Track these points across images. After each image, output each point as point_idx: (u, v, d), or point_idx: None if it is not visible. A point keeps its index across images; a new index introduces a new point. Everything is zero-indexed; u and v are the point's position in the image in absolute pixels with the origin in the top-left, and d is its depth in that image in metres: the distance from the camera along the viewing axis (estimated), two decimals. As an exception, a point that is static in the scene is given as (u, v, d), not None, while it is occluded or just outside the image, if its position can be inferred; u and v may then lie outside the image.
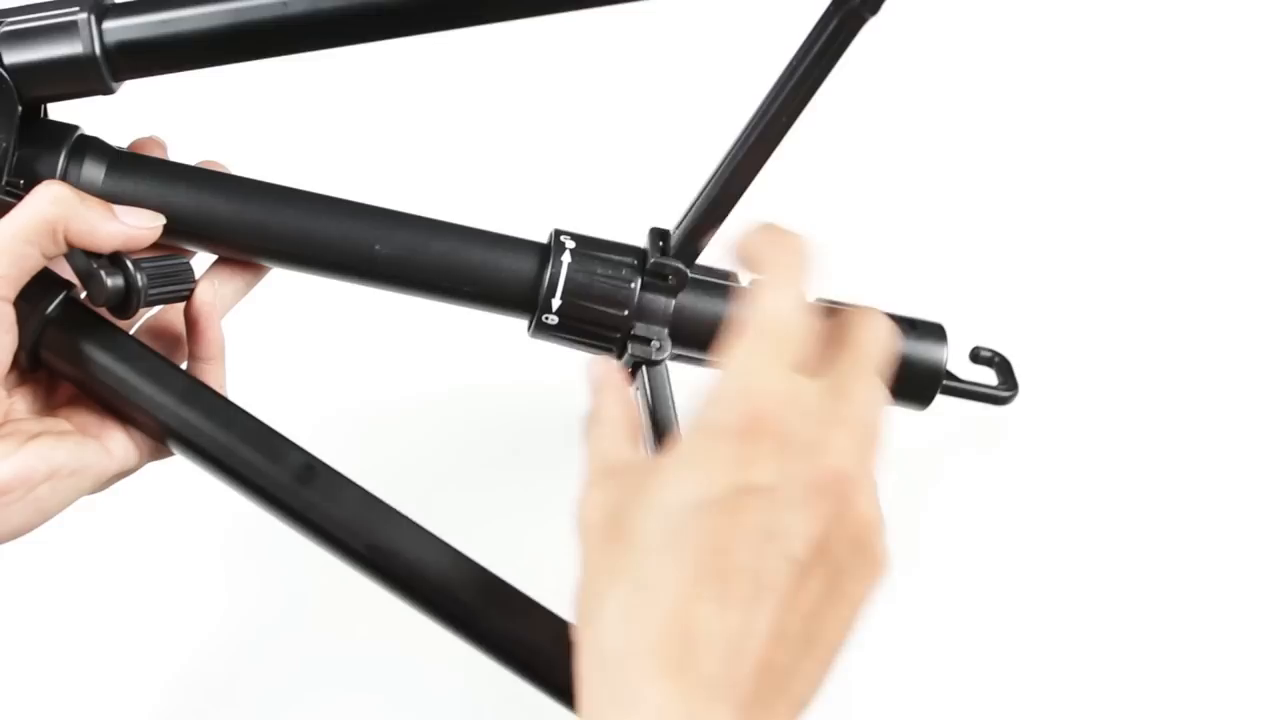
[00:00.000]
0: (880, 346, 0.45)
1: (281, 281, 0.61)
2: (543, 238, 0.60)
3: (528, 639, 0.53)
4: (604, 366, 0.51)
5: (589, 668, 0.43)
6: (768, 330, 0.44)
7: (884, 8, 0.51)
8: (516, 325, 0.61)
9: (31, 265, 0.52)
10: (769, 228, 0.46)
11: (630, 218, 0.64)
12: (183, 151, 0.60)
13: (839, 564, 0.44)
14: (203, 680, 0.72)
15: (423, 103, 0.91)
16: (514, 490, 0.75)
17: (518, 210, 0.65)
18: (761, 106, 0.55)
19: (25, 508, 0.51)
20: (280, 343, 0.78)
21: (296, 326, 0.80)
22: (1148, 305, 0.82)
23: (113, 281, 0.53)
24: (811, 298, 0.46)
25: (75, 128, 0.56)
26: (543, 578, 0.53)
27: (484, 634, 0.53)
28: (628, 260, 0.59)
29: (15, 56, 0.53)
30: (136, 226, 0.54)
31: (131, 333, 0.57)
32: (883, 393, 0.45)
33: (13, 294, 0.51)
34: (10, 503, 0.51)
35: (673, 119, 0.90)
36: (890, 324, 0.46)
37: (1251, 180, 0.88)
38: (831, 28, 0.52)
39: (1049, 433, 0.77)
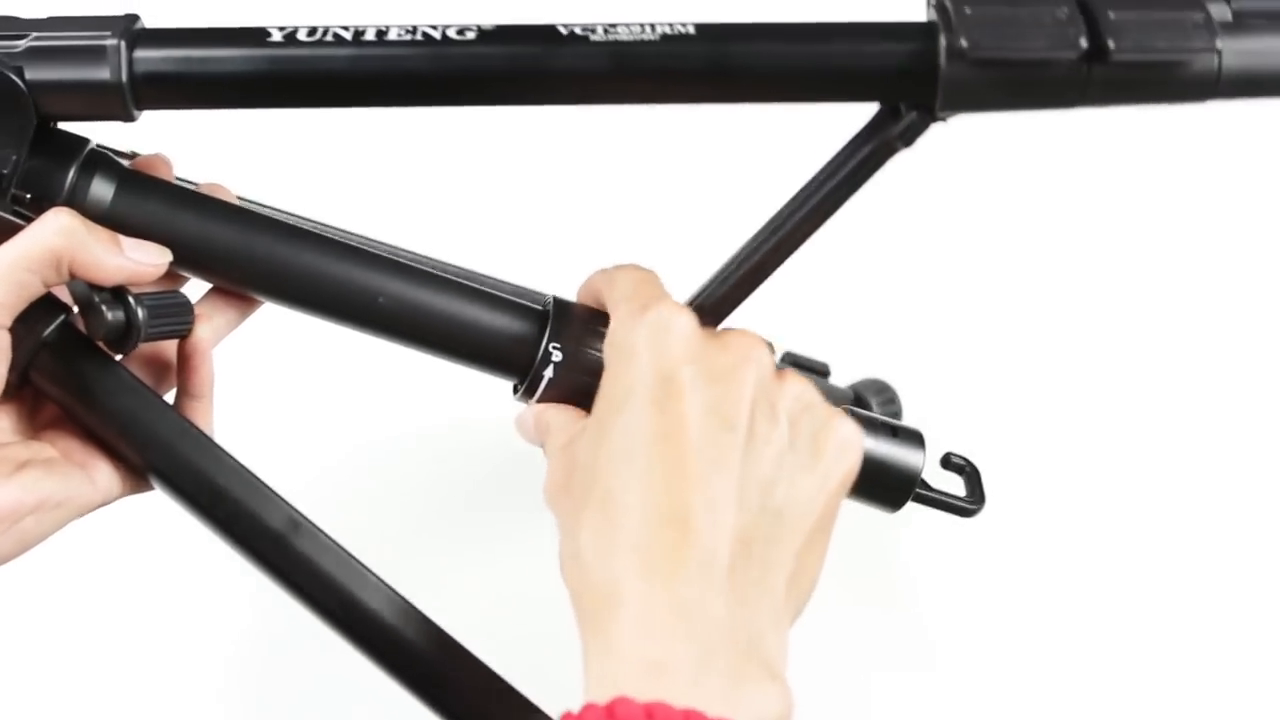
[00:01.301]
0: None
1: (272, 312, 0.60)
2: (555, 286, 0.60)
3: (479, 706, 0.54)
4: (529, 416, 0.55)
5: (577, 599, 0.44)
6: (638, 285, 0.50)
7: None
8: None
9: (31, 294, 0.51)
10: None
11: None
12: (190, 165, 0.59)
13: (789, 429, 0.47)
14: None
15: (451, 140, 0.90)
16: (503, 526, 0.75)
17: (538, 254, 0.65)
18: (780, 216, 0.56)
19: (8, 539, 0.51)
20: (269, 373, 0.78)
21: (285, 357, 0.79)
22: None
23: (113, 315, 0.52)
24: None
25: (87, 141, 0.55)
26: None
27: (439, 700, 0.54)
28: None
29: (38, 73, 0.51)
30: (142, 263, 0.53)
31: (121, 358, 0.56)
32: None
33: (9, 320, 0.50)
34: None
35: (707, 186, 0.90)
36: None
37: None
38: (863, 154, 0.53)
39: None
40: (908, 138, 0.52)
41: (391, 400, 0.80)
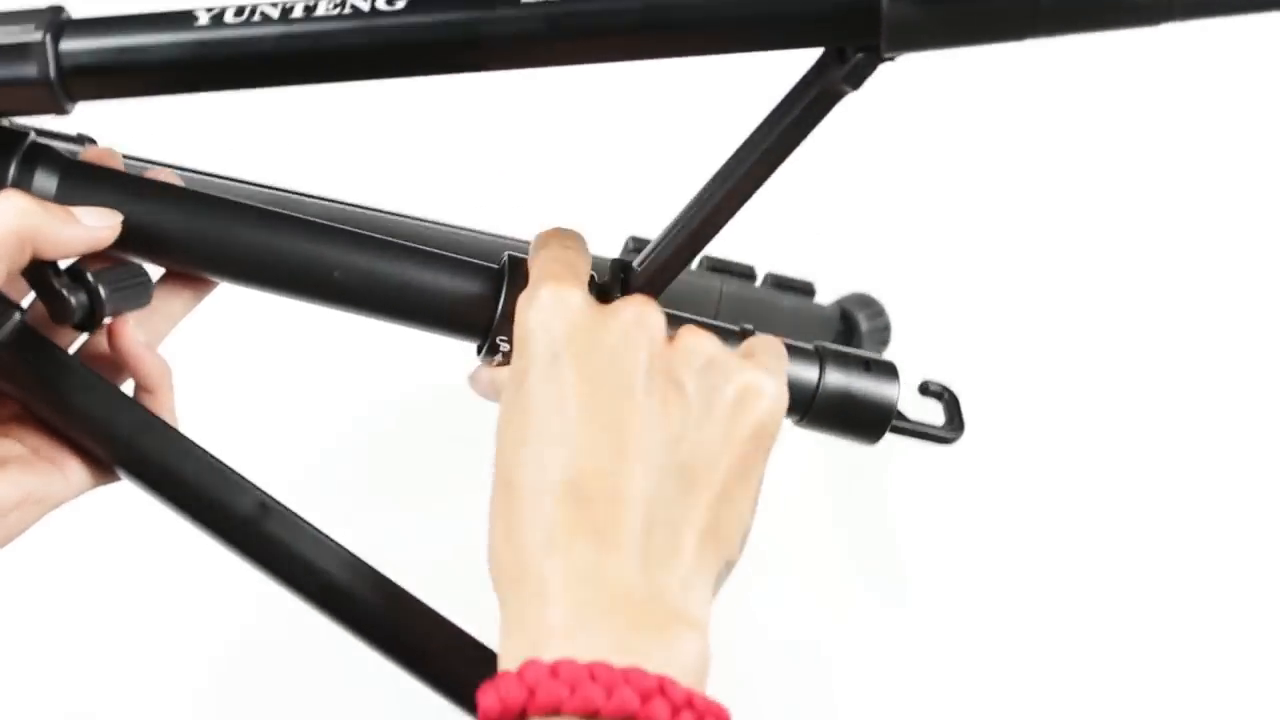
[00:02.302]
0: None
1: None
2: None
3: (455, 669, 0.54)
4: (483, 375, 0.56)
5: (495, 584, 0.45)
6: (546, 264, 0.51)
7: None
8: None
9: (1, 283, 0.50)
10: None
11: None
12: (144, 147, 0.59)
13: (686, 384, 0.47)
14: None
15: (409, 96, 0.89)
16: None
17: (502, 209, 0.65)
18: (730, 164, 0.55)
19: None
20: (245, 357, 0.78)
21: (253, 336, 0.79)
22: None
23: (76, 298, 0.52)
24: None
25: (26, 134, 0.54)
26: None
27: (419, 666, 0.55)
28: None
29: (-35, 74, 0.50)
30: (99, 227, 0.53)
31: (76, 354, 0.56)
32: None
33: None
34: None
35: (664, 126, 0.89)
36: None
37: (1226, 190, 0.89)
38: (808, 100, 0.51)
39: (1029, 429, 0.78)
40: (854, 80, 0.50)
41: (366, 371, 0.80)
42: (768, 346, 0.52)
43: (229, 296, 0.60)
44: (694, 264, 0.77)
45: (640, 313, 0.48)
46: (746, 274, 0.85)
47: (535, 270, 0.51)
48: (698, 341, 0.49)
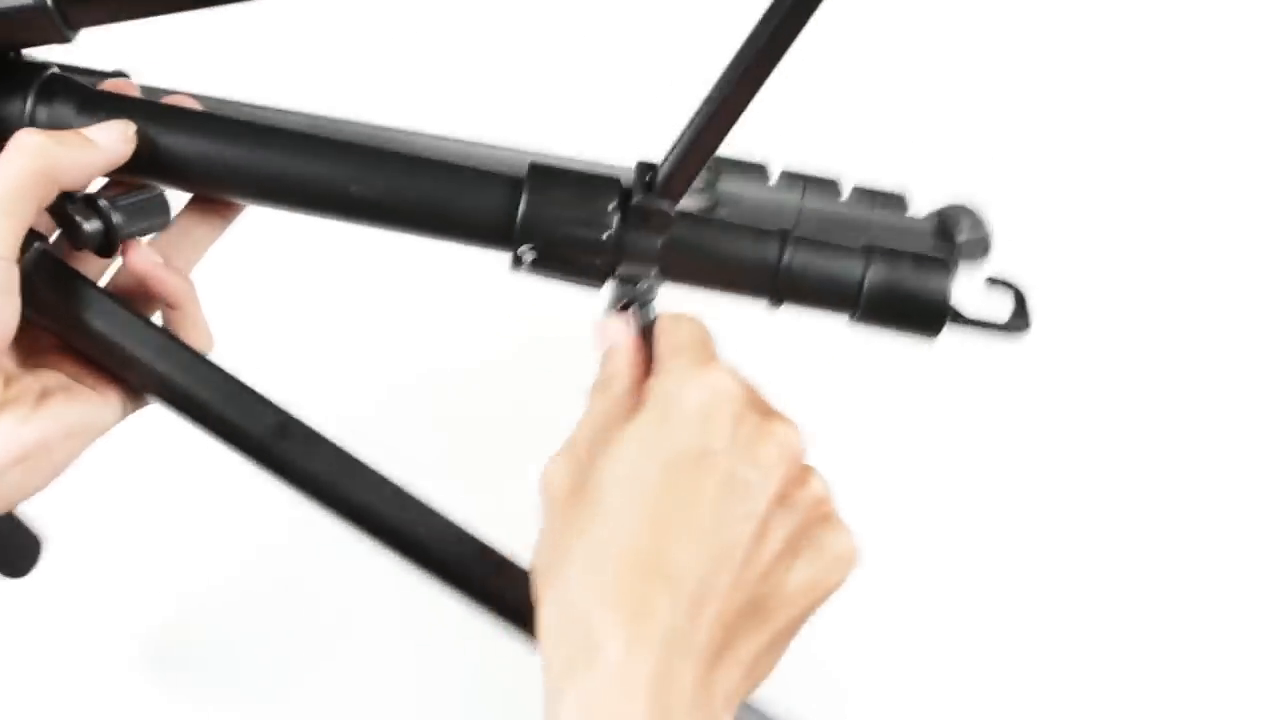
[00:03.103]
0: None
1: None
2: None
3: (506, 596, 0.54)
4: (614, 329, 0.52)
5: (551, 622, 0.44)
6: (701, 341, 0.51)
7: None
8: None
9: (30, 221, 0.52)
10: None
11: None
12: (156, 75, 0.59)
13: (798, 527, 0.47)
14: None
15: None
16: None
17: (529, 127, 0.64)
18: (751, 36, 0.52)
19: (42, 470, 0.53)
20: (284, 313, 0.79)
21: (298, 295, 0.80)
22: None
23: (91, 225, 0.53)
24: None
25: (46, 66, 0.55)
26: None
27: (458, 585, 0.54)
28: (604, 197, 0.57)
29: (-31, 6, 0.51)
30: (113, 142, 0.53)
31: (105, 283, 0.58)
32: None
33: (16, 253, 0.51)
34: (32, 467, 0.53)
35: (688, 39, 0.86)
36: None
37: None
38: None
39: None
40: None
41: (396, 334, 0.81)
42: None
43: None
44: (772, 178, 0.74)
45: (792, 440, 0.48)
46: (829, 186, 0.81)
47: (687, 341, 0.51)
48: (824, 491, 0.48)
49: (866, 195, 0.83)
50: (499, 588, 0.54)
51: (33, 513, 0.63)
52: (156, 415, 0.59)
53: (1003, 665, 0.73)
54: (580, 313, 0.61)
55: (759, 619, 0.46)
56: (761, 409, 0.49)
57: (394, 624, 0.78)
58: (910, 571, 0.76)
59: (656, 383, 0.49)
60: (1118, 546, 0.74)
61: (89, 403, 0.55)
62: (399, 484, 0.55)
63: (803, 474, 0.48)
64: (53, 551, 0.73)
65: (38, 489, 0.54)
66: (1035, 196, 0.83)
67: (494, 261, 0.59)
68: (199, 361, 0.55)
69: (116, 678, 0.80)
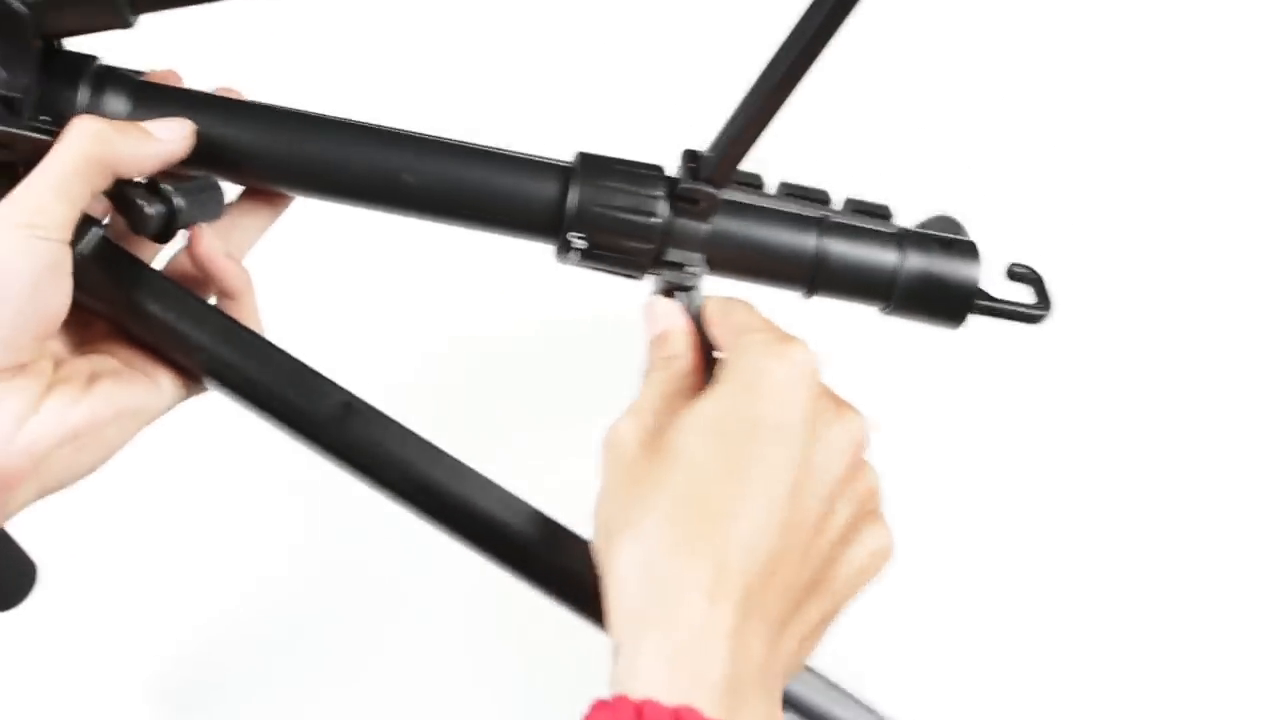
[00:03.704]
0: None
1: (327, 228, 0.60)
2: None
3: (574, 570, 0.54)
4: (667, 311, 0.53)
5: (626, 572, 0.45)
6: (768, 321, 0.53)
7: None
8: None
9: (84, 205, 0.52)
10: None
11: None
12: (195, 78, 0.59)
13: (853, 516, 0.49)
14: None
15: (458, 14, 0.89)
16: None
17: (565, 128, 0.64)
18: (801, 21, 0.54)
19: (94, 450, 0.53)
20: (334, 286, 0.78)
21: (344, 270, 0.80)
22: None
23: (154, 209, 0.53)
24: None
25: (93, 58, 0.55)
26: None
27: (524, 564, 0.54)
28: (653, 184, 0.58)
29: (31, -9, 0.51)
30: (172, 138, 0.54)
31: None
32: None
33: (70, 235, 0.51)
34: (82, 446, 0.52)
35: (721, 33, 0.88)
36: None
37: None
38: None
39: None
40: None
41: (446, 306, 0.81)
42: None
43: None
44: (769, 190, 0.76)
45: (861, 427, 0.49)
46: (821, 199, 0.84)
47: (759, 322, 0.52)
48: (877, 482, 0.50)
49: (857, 207, 0.86)
50: (564, 560, 0.54)
51: (26, 538, 0.61)
52: (152, 444, 0.58)
53: (1014, 659, 0.74)
54: (595, 297, 0.62)
55: (816, 596, 0.47)
56: (833, 395, 0.50)
57: (397, 653, 0.77)
58: (918, 569, 0.77)
59: (737, 356, 0.49)
60: (1129, 543, 0.76)
61: (140, 387, 0.55)
62: (461, 461, 0.55)
63: (863, 466, 0.50)
64: (48, 580, 0.71)
65: (90, 469, 0.54)
66: (1036, 196, 0.86)
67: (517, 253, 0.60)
68: (262, 344, 0.54)
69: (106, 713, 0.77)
